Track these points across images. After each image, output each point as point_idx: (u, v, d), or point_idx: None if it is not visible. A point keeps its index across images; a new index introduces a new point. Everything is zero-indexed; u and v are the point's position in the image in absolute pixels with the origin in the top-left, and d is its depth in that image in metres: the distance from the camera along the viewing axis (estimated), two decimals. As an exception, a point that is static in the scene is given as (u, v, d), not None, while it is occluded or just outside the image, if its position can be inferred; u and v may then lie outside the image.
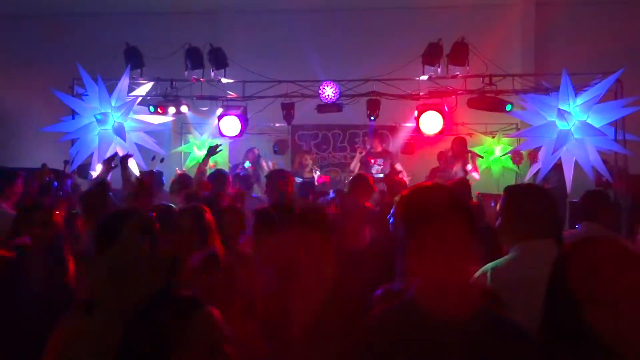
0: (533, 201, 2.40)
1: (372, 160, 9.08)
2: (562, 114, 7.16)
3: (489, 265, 2.40)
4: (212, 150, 6.36)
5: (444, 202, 1.75)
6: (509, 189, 2.53)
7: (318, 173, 9.21)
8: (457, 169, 8.54)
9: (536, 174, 7.56)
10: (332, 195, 5.62)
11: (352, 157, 9.96)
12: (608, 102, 7.25)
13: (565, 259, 1.45)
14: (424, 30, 8.56)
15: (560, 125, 7.28)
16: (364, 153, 9.30)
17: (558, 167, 7.25)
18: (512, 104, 7.92)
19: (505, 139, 10.08)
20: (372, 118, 8.66)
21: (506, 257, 2.42)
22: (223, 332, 1.63)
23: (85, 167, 7.94)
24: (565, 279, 1.38)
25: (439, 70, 8.00)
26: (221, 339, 1.61)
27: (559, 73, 7.31)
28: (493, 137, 10.32)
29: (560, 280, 1.40)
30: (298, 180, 8.21)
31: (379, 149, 9.37)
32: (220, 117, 8.17)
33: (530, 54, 10.41)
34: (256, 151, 9.89)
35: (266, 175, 6.59)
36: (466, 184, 5.43)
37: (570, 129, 7.22)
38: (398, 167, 8.64)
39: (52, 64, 8.20)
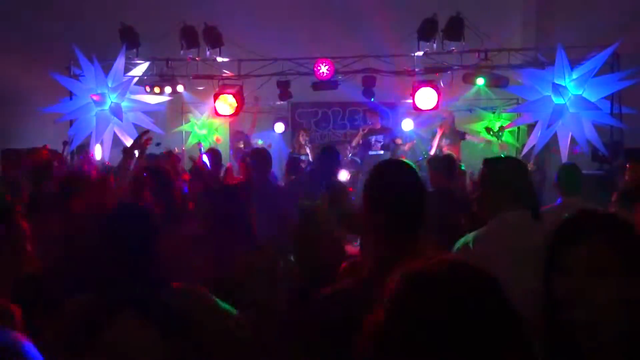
0: (508, 173, 2.45)
1: (373, 138, 9.09)
2: (557, 88, 7.10)
3: (470, 235, 2.45)
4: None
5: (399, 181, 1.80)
6: (486, 161, 2.57)
7: (308, 149, 9.20)
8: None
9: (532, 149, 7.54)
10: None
11: (352, 134, 9.97)
12: (604, 76, 7.17)
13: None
14: (420, 5, 8.45)
15: (556, 99, 7.22)
16: (365, 130, 9.30)
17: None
18: (485, 77, 7.88)
19: (505, 114, 10.01)
20: (369, 95, 8.68)
21: (485, 227, 2.46)
22: None
23: (83, 148, 8.04)
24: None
25: (435, 45, 7.94)
26: None
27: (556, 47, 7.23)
28: (494, 112, 10.25)
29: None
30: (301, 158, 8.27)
31: (378, 125, 9.37)
32: (215, 97, 8.19)
33: (531, 27, 10.24)
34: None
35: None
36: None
37: (565, 104, 7.16)
38: (398, 141, 8.68)
39: (49, 44, 8.25)
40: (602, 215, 1.40)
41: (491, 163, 2.60)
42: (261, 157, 4.88)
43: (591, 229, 1.30)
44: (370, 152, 9.17)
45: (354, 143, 9.35)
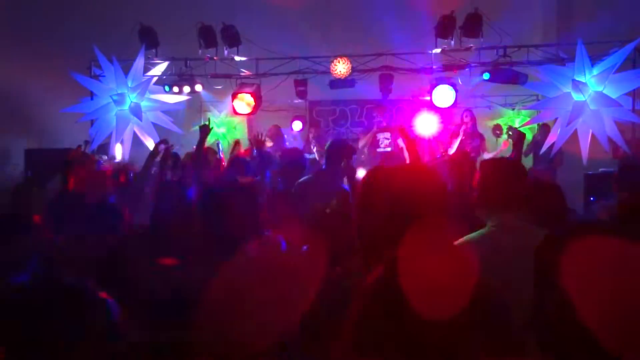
0: (501, 175, 2.44)
1: (381, 135, 8.99)
2: (577, 85, 7.01)
3: (467, 237, 2.45)
4: (205, 131, 5.06)
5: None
6: (482, 163, 2.57)
7: (314, 148, 9.06)
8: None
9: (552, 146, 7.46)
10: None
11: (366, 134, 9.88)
12: (625, 72, 7.06)
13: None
14: (437, 1, 8.40)
15: (576, 96, 7.13)
16: (375, 129, 9.22)
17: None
18: (488, 73, 7.79)
19: (524, 111, 9.91)
20: (386, 93, 8.64)
21: (480, 230, 2.46)
22: None
23: (104, 147, 8.16)
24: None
25: (452, 42, 7.89)
26: None
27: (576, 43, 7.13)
28: (513, 109, 10.17)
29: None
30: (309, 156, 8.21)
31: (384, 123, 9.27)
32: (233, 96, 8.25)
33: (551, 23, 10.11)
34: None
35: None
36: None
37: (586, 100, 7.07)
38: (400, 142, 8.51)
39: (69, 45, 8.38)
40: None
41: (485, 165, 2.60)
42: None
43: None
44: (379, 150, 9.09)
45: (360, 145, 9.05)
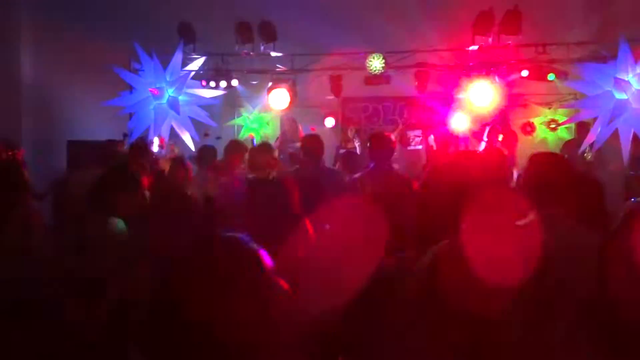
0: (547, 169, 2.42)
1: (412, 133, 8.96)
2: (619, 83, 6.86)
3: None
4: None
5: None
6: (530, 157, 2.55)
7: (357, 143, 9.08)
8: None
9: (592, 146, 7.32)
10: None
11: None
12: (671, 70, 6.87)
13: None
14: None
15: (618, 95, 6.98)
16: (401, 126, 9.19)
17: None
18: (555, 73, 7.64)
19: (561, 110, 9.73)
20: (422, 90, 8.60)
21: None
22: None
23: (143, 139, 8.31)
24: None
25: (490, 39, 7.80)
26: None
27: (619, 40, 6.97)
28: (549, 108, 10.00)
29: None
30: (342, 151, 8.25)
31: (414, 120, 9.23)
32: (269, 91, 8.31)
33: (592, 20, 9.88)
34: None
35: None
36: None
37: (628, 99, 6.91)
38: (430, 141, 8.50)
39: (110, 41, 8.57)
40: None
41: (533, 159, 2.58)
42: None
43: None
44: (409, 148, 9.05)
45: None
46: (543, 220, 2.34)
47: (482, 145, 8.51)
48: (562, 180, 2.39)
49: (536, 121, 9.95)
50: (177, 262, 1.57)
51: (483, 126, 8.61)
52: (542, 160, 2.51)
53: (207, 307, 1.39)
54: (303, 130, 9.47)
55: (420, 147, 8.92)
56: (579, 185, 3.05)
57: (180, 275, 1.50)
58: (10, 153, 6.41)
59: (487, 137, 8.28)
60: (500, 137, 7.79)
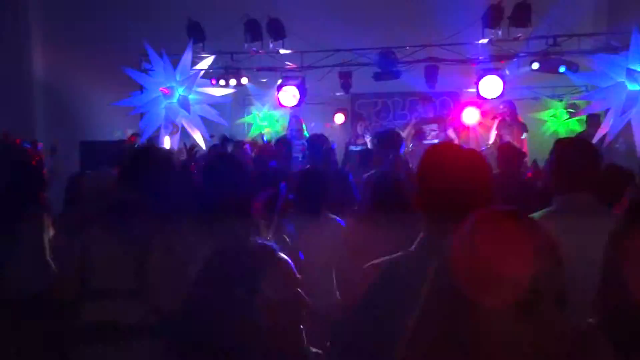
0: (573, 154, 2.40)
1: (427, 127, 8.90)
2: (632, 74, 6.80)
3: (534, 215, 2.42)
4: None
5: None
6: (556, 142, 2.53)
7: (368, 137, 9.03)
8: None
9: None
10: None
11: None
12: (684, 60, 6.80)
13: None
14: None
15: (630, 86, 6.92)
16: (414, 121, 9.13)
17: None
18: (566, 65, 7.58)
19: (572, 102, 9.66)
20: (432, 85, 8.55)
21: (546, 209, 2.42)
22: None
23: (154, 139, 8.36)
24: None
25: (500, 33, 7.75)
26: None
27: (631, 31, 6.91)
28: (560, 101, 9.93)
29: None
30: (355, 149, 8.23)
31: (431, 114, 9.18)
32: (279, 88, 8.32)
33: (603, 11, 9.80)
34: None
35: None
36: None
37: (640, 90, 6.85)
38: (450, 134, 8.46)
39: (120, 41, 8.62)
40: None
41: (558, 143, 2.56)
42: None
43: None
44: (425, 142, 8.99)
45: (404, 135, 9.02)
46: (571, 204, 2.34)
47: (492, 138, 8.48)
48: (591, 165, 2.38)
49: (546, 114, 9.88)
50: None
51: (492, 119, 8.57)
52: (570, 147, 2.49)
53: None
54: (315, 127, 9.57)
55: (436, 141, 8.86)
56: (610, 175, 3.05)
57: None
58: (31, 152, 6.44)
59: (497, 129, 8.25)
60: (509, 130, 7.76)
